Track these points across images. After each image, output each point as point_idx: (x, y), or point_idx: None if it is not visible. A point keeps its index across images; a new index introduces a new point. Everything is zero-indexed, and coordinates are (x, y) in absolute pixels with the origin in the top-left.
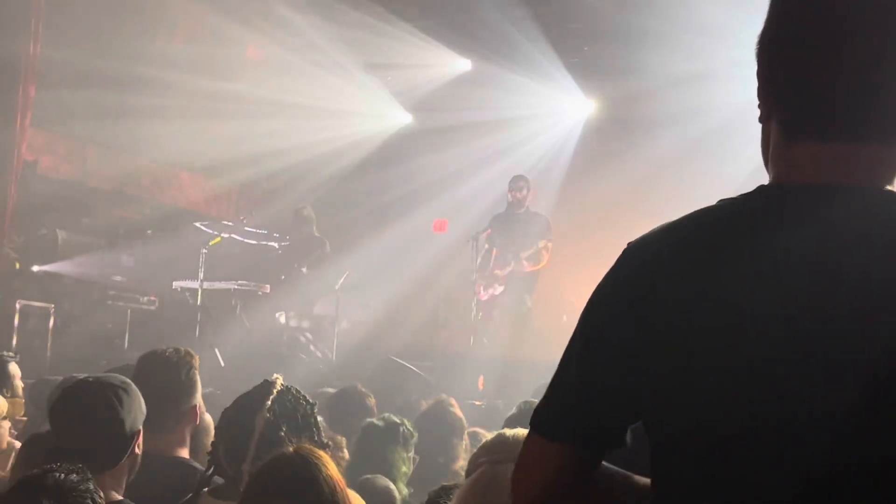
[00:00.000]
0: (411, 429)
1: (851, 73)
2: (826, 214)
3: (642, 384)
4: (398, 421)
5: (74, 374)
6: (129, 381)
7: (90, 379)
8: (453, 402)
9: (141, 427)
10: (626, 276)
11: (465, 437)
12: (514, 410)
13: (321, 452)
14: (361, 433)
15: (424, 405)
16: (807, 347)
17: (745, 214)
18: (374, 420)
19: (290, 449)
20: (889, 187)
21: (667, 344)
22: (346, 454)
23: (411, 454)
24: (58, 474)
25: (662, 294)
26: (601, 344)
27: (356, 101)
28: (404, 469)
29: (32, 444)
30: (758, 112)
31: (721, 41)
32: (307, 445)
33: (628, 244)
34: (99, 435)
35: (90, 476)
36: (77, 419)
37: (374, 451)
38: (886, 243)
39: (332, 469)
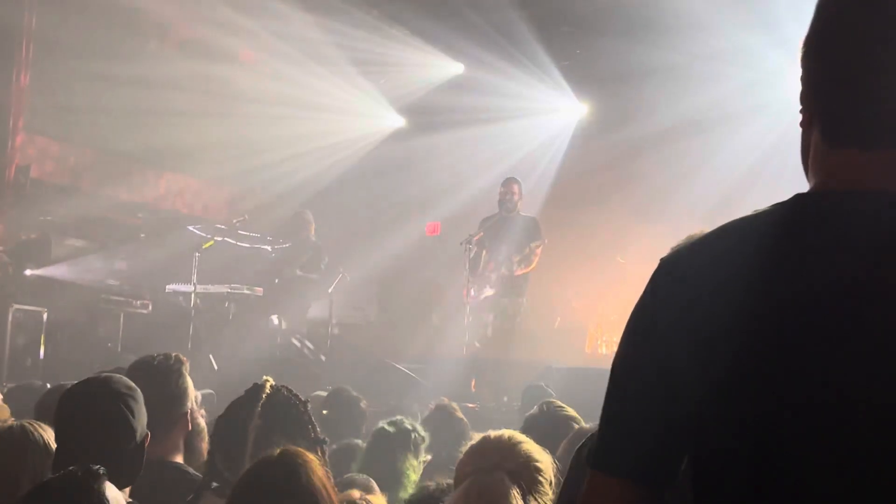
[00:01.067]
0: (423, 434)
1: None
2: (873, 218)
3: (696, 401)
4: (409, 427)
5: (63, 383)
6: (133, 385)
7: (97, 384)
8: (455, 405)
9: (148, 431)
10: (665, 293)
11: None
12: (534, 410)
13: (308, 455)
14: (372, 438)
15: (417, 407)
16: (864, 353)
17: (788, 222)
18: (385, 425)
19: (276, 451)
20: None
21: (717, 357)
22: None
23: (421, 458)
24: (79, 479)
25: (707, 308)
26: (649, 368)
27: (349, 104)
28: (413, 477)
29: None
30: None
31: (717, 47)
32: (293, 448)
33: (662, 259)
34: (115, 451)
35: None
36: (90, 433)
37: (384, 457)
38: None
39: (318, 471)
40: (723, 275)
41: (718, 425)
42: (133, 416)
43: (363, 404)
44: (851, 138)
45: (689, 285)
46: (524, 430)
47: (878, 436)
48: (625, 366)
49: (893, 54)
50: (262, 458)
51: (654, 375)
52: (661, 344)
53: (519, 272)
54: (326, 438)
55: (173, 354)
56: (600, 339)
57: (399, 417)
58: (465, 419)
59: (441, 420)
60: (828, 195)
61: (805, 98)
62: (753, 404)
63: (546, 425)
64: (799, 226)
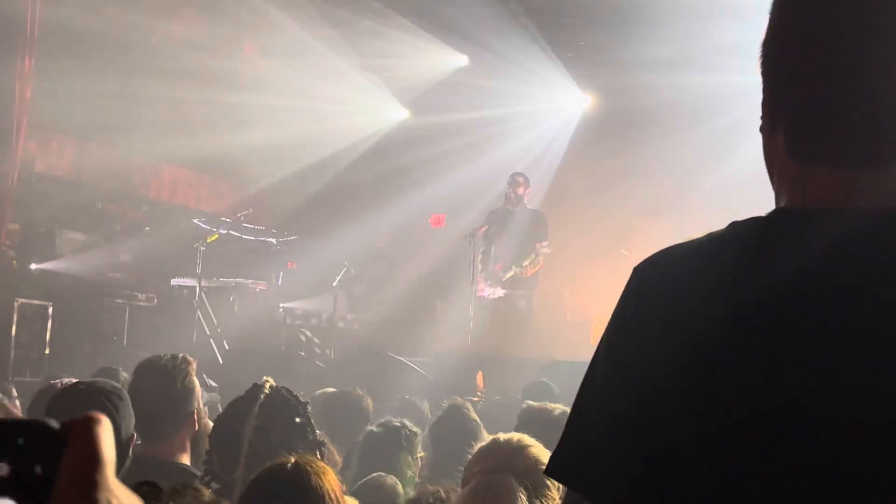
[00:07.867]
0: (413, 429)
1: (870, 95)
2: (853, 238)
3: (663, 418)
4: (398, 424)
5: (68, 379)
6: (119, 386)
7: (82, 385)
8: (468, 405)
9: (134, 432)
10: (635, 302)
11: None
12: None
13: (320, 463)
14: (363, 443)
15: (426, 404)
16: (837, 377)
17: (765, 239)
18: (373, 428)
19: (292, 459)
20: None
21: (681, 368)
22: (340, 460)
23: (419, 454)
24: None
25: (677, 319)
26: (619, 375)
27: (353, 97)
28: (410, 473)
29: None
30: (754, 106)
31: (720, 34)
32: (307, 455)
33: (635, 268)
34: None
35: None
36: None
37: (378, 459)
38: None
39: (331, 480)
40: (692, 288)
41: (684, 435)
42: (118, 418)
43: (367, 404)
44: (823, 156)
45: (655, 298)
46: (518, 428)
47: (842, 445)
48: (597, 371)
49: (864, 67)
50: (275, 464)
51: (622, 381)
52: (627, 351)
53: (530, 273)
54: (325, 441)
55: (180, 355)
56: None
57: (386, 418)
58: (478, 420)
59: (453, 419)
60: (806, 213)
61: (768, 106)
62: (715, 414)
63: (533, 424)
64: (778, 243)
